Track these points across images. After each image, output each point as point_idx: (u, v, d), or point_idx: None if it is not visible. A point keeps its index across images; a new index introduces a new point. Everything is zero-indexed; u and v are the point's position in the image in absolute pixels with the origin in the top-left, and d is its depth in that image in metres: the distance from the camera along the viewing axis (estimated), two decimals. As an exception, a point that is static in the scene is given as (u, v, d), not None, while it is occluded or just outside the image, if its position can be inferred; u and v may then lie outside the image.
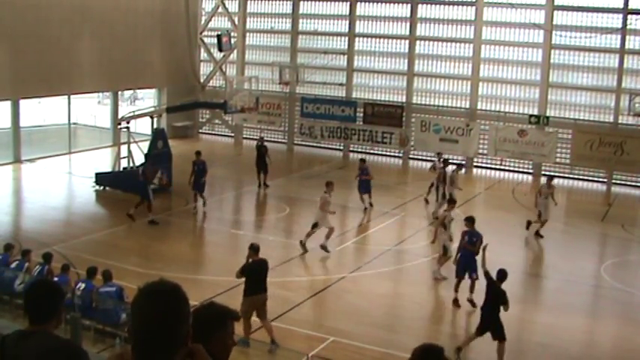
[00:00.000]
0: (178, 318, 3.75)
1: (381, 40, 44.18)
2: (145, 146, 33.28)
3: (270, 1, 47.46)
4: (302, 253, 25.05)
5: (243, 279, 17.88)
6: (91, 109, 52.17)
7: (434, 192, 32.05)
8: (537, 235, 28.71)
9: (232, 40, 45.31)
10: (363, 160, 32.68)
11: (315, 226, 25.37)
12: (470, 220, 21.69)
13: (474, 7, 41.08)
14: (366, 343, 17.95)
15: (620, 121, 38.44)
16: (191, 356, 3.98)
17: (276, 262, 24.16)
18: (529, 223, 29.02)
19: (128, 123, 33.79)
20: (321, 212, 25.50)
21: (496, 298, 17.27)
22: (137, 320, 3.76)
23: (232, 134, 48.59)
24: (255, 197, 34.34)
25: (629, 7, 37.49)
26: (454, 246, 22.75)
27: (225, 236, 28.25)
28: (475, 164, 41.85)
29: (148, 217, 28.33)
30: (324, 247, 25.09)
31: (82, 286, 17.58)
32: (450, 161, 33.42)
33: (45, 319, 5.19)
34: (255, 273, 17.82)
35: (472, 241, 21.07)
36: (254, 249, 18.12)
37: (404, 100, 43.33)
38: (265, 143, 36.24)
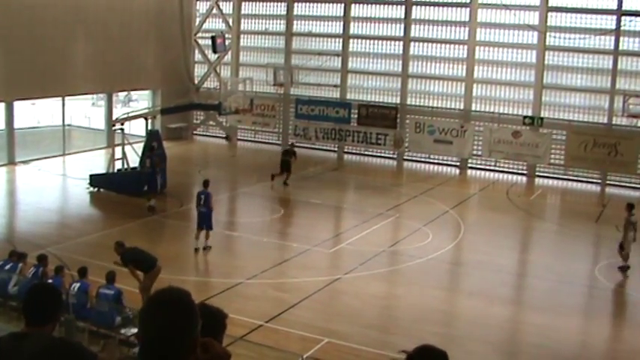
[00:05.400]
0: (188, 327, 3.78)
1: (376, 41, 44.19)
2: (140, 148, 33.28)
3: (265, 3, 47.44)
4: None
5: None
6: (85, 110, 52.13)
7: None
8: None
9: (227, 42, 45.28)
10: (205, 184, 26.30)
11: None
12: None
13: (468, 9, 41.08)
14: (360, 344, 17.97)
15: (614, 123, 38.47)
16: (205, 350, 4.02)
17: (270, 264, 24.21)
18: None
19: (122, 124, 33.77)
20: None
21: None
22: (147, 329, 3.79)
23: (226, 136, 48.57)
24: (250, 199, 34.37)
25: (623, 8, 37.54)
26: None
27: (219, 238, 28.20)
28: (469, 165, 41.86)
29: (150, 202, 30.06)
30: None
31: (77, 286, 17.59)
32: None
33: (42, 322, 5.20)
34: (135, 256, 19.75)
35: None
36: (119, 244, 19.96)
37: (398, 101, 43.34)
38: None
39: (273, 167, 38.35)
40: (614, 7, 37.83)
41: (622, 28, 37.58)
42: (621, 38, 37.96)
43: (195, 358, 3.89)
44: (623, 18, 37.50)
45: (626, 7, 37.53)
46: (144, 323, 3.81)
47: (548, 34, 39.22)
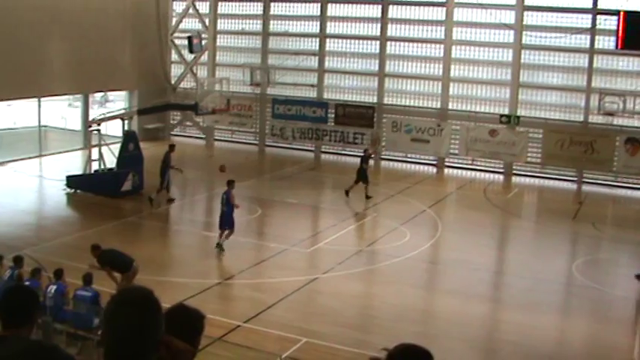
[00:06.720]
0: (150, 327, 3.77)
1: (352, 41, 44.21)
2: (116, 149, 33.18)
3: (241, 3, 47.35)
4: None
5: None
6: (61, 111, 51.83)
7: None
8: None
9: (203, 42, 45.28)
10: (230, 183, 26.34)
11: None
12: None
13: (444, 8, 41.16)
14: (338, 344, 17.96)
15: (590, 121, 38.65)
16: (167, 347, 4.01)
17: (248, 264, 24.21)
18: None
19: (99, 125, 33.65)
20: None
21: None
22: (109, 329, 3.78)
23: (204, 136, 48.48)
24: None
25: (598, 7, 37.72)
26: None
27: (196, 238, 28.20)
28: (446, 164, 41.97)
29: (155, 194, 31.53)
30: None
31: (54, 288, 17.49)
32: None
33: (19, 324, 5.17)
34: (112, 258, 19.85)
35: None
36: (94, 247, 20.03)
37: (375, 100, 43.39)
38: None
39: (250, 167, 38.38)
40: (590, 5, 38.01)
41: (597, 26, 37.76)
42: (597, 37, 38.14)
43: (160, 356, 3.88)
44: (598, 17, 37.68)
45: (601, 6, 37.71)
46: (108, 323, 3.81)
47: (524, 32, 39.38)
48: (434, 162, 42.29)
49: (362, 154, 35.11)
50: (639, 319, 21.04)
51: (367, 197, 33.17)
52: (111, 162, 33.20)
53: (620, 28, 34.30)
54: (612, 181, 38.89)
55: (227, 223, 25.51)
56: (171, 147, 32.84)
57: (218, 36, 48.38)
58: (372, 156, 35.97)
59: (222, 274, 23.44)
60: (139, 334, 3.73)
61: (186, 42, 44.07)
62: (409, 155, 42.87)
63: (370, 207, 32.36)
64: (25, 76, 38.16)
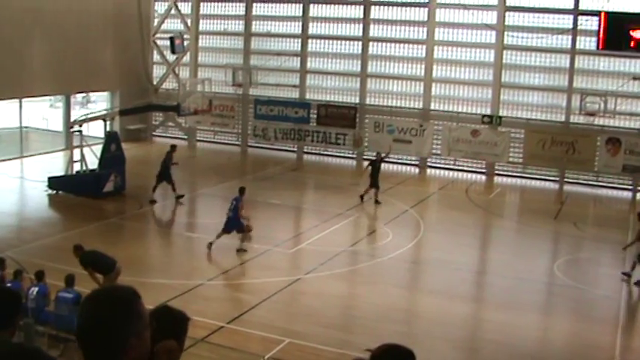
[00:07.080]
0: (114, 323, 3.71)
1: (334, 41, 44.23)
2: (98, 149, 33.07)
3: (223, 3, 47.30)
4: None
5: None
6: (42, 112, 51.63)
7: None
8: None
9: (185, 43, 45.14)
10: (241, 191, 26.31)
11: None
12: None
13: (426, 9, 41.24)
14: (322, 344, 17.97)
15: (571, 121, 38.83)
16: (168, 354, 4.02)
17: (230, 265, 24.19)
18: None
19: (81, 126, 33.54)
20: None
21: None
22: (78, 323, 3.78)
23: (186, 137, 48.35)
24: (210, 200, 34.23)
25: (580, 8, 37.90)
26: None
27: (179, 239, 28.17)
28: (429, 164, 42.04)
29: (174, 194, 32.10)
30: None
31: (35, 290, 17.42)
32: None
33: (1, 326, 5.15)
34: (94, 259, 19.73)
35: None
36: (77, 247, 19.96)
37: (357, 101, 43.43)
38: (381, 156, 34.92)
39: (232, 168, 38.35)
40: (571, 6, 38.18)
41: (579, 27, 37.92)
42: (578, 37, 38.30)
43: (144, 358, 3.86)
44: (579, 17, 37.84)
45: (582, 6, 37.89)
46: (77, 317, 3.81)
47: (506, 33, 39.51)
48: (416, 162, 42.36)
49: (374, 158, 34.94)
50: (621, 317, 21.18)
51: (361, 198, 33.27)
52: (93, 163, 33.09)
53: (601, 28, 34.50)
54: (593, 181, 39.08)
55: (233, 227, 25.48)
56: (173, 147, 33.23)
57: (200, 36, 48.32)
58: (384, 158, 35.53)
59: (204, 275, 23.38)
60: (97, 329, 3.70)
61: (168, 43, 43.88)
62: (391, 155, 42.82)
63: (353, 207, 32.35)
64: (7, 77, 37.94)
